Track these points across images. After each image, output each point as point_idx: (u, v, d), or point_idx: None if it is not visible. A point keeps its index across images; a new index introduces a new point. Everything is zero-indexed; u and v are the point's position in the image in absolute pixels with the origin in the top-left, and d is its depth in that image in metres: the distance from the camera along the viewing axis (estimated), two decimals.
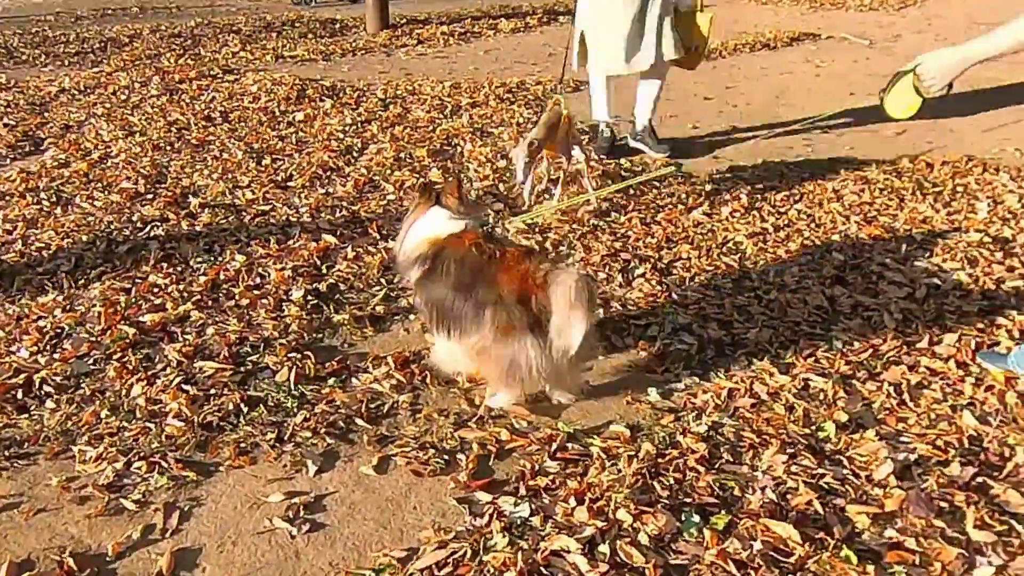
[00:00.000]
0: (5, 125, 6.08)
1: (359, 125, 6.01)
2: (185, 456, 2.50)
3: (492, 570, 2.04)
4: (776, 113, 6.26)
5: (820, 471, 2.41)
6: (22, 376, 2.86)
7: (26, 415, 2.68)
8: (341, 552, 2.16)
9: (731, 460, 2.48)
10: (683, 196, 4.53)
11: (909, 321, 3.22)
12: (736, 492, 2.34)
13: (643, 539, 2.13)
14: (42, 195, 4.62)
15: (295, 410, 2.72)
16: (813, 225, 4.14)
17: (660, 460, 2.46)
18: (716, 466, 2.45)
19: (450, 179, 2.72)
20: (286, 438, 2.60)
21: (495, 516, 2.25)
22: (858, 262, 3.73)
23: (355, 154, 5.36)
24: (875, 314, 3.28)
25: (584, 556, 2.07)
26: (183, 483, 2.40)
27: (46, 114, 6.48)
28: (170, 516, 2.27)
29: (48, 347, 3.07)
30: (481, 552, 2.11)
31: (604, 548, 2.10)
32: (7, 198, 4.60)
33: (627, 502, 2.25)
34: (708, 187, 4.65)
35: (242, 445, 2.56)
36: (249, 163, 5.16)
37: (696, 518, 2.21)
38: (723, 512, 2.24)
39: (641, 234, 4.06)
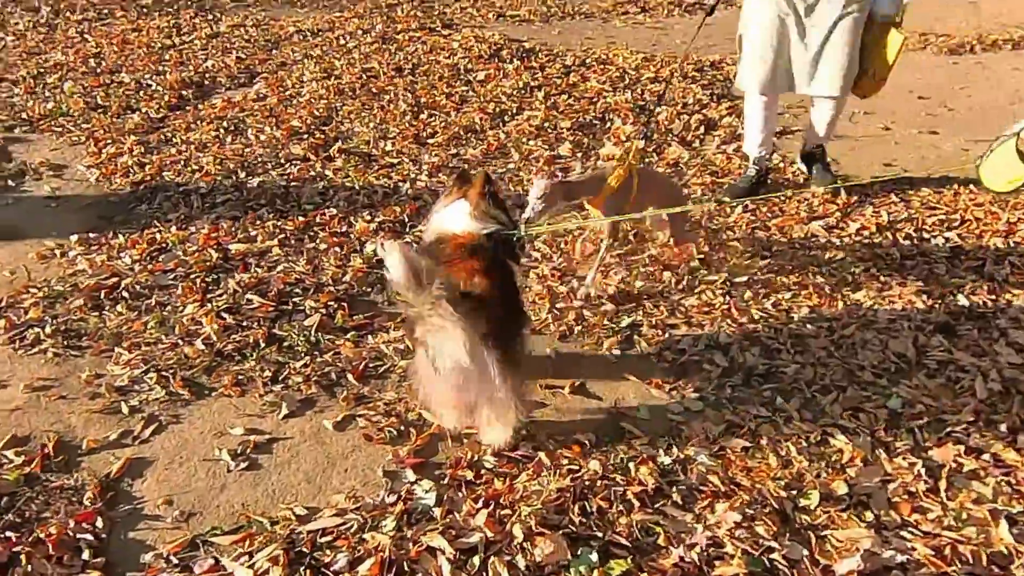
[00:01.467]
0: (237, 59, 6.92)
1: (528, 90, 5.99)
2: (191, 377, 2.80)
3: (362, 550, 2.06)
4: (997, 125, 5.17)
5: (772, 543, 2.07)
6: (113, 280, 3.36)
7: (97, 313, 3.14)
8: (258, 495, 2.30)
9: (678, 504, 2.22)
10: (816, 203, 3.98)
11: (1007, 395, 2.59)
12: (659, 541, 2.10)
13: (520, 562, 2.01)
14: (225, 124, 5.26)
15: (302, 355, 2.90)
16: (954, 259, 3.42)
17: (598, 483, 2.27)
18: (656, 506, 2.21)
19: (477, 174, 2.48)
20: (280, 379, 2.79)
21: (403, 498, 2.24)
22: (983, 311, 3.04)
23: (505, 118, 5.39)
24: (966, 377, 2.68)
25: (451, 562, 2.00)
26: (175, 400, 2.69)
27: (273, 51, 7.27)
28: (148, 427, 2.57)
29: (147, 258, 3.56)
30: (365, 530, 2.13)
31: (476, 560, 2.02)
32: (199, 122, 5.30)
33: (531, 517, 2.12)
34: (854, 197, 4.03)
35: (240, 377, 2.79)
36: (406, 116, 5.41)
37: (593, 557, 2.03)
38: (628, 559, 2.02)
39: (740, 238, 3.65)
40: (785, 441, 2.44)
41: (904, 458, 2.35)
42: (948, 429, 2.46)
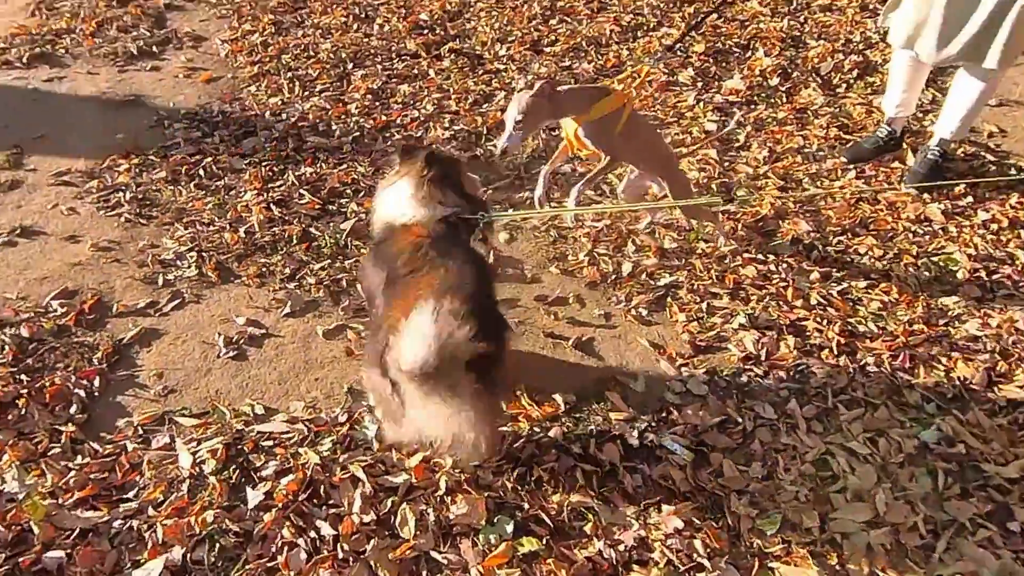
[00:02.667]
0: None
1: (677, 4, 5.43)
2: (223, 262, 2.93)
3: (292, 464, 2.10)
4: None
5: (704, 562, 1.88)
6: (198, 157, 3.55)
7: (172, 187, 3.35)
8: (232, 386, 2.41)
9: (627, 493, 2.06)
10: (946, 179, 3.34)
11: None
12: (586, 528, 1.96)
13: (431, 514, 1.96)
14: (357, 9, 5.26)
15: (325, 257, 2.94)
16: None
17: (550, 451, 2.14)
18: (601, 490, 2.06)
19: (419, 153, 2.06)
20: (296, 277, 2.86)
21: (353, 420, 2.25)
22: None
23: (638, 33, 4.95)
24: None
25: (364, 498, 2.00)
26: (203, 281, 2.84)
27: None
28: (172, 301, 2.74)
29: (233, 139, 3.71)
30: (304, 443, 2.16)
31: (390, 501, 1.99)
32: (334, 6, 5.33)
33: (465, 474, 2.06)
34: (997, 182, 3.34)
35: (263, 270, 2.89)
36: (535, 20, 5.11)
37: (508, 528, 1.94)
38: (542, 540, 1.91)
39: (839, 210, 3.17)
40: (777, 451, 2.15)
41: (910, 502, 2.00)
42: (981, 481, 2.05)
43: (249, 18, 5.13)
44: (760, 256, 2.92)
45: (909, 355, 2.45)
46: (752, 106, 4.04)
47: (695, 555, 1.88)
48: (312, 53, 4.62)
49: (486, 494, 2.01)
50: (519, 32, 4.92)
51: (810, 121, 3.85)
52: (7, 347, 2.49)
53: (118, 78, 4.36)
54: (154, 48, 4.73)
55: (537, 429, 2.22)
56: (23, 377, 2.39)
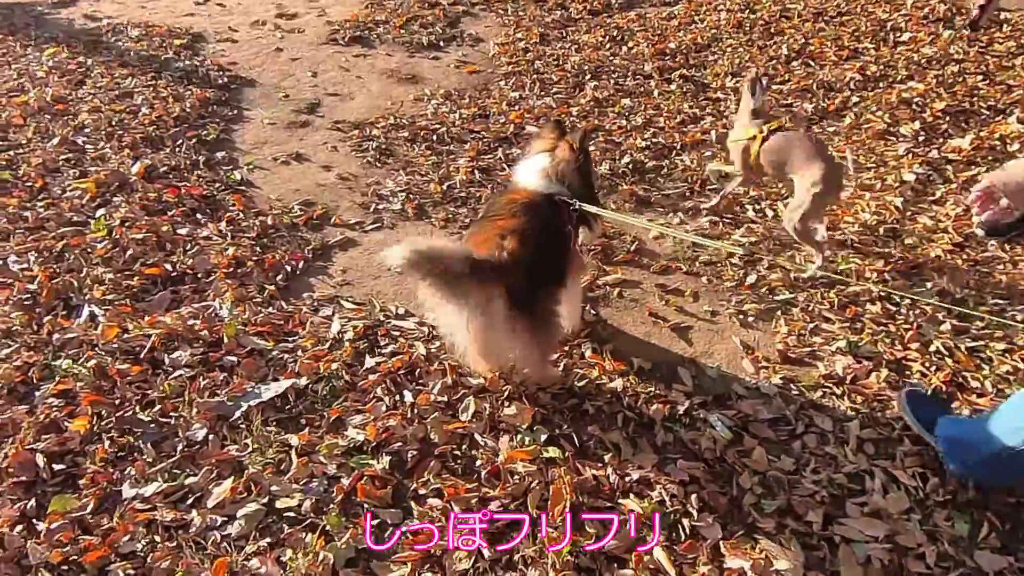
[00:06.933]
0: None
1: (939, 62, 5.18)
2: (422, 204, 3.61)
3: (404, 351, 2.65)
4: None
5: (692, 510, 2.06)
6: (437, 126, 4.32)
7: (409, 144, 4.13)
8: (390, 291, 3.04)
9: (654, 445, 2.30)
10: None
11: None
12: (606, 458, 2.24)
13: (486, 409, 2.38)
14: (615, 32, 5.80)
15: None
16: None
17: (604, 396, 2.45)
18: (632, 435, 2.32)
19: (578, 129, 2.31)
20: None
21: None
22: None
23: (880, 84, 4.87)
24: None
25: (444, 386, 2.48)
26: (402, 215, 3.54)
27: None
28: (373, 224, 3.47)
29: (472, 118, 4.42)
30: (422, 340, 2.71)
31: (461, 393, 2.45)
32: (597, 28, 5.90)
33: (528, 389, 2.45)
34: None
35: (449, 216, 3.51)
36: (774, 61, 5.19)
37: (542, 436, 2.29)
38: (564, 454, 2.24)
39: (1014, 274, 3.01)
40: (815, 456, 2.24)
41: (934, 537, 1.99)
42: None
43: (524, 28, 5.91)
44: (896, 299, 2.89)
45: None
46: (971, 167, 3.84)
47: (688, 505, 2.08)
48: (560, 63, 5.25)
49: (536, 408, 2.38)
50: (754, 69, 5.08)
51: (986, 153, 3.60)
52: (255, 227, 3.37)
53: (406, 61, 5.35)
54: (440, 43, 5.70)
55: (604, 377, 2.53)
56: (257, 248, 3.24)
